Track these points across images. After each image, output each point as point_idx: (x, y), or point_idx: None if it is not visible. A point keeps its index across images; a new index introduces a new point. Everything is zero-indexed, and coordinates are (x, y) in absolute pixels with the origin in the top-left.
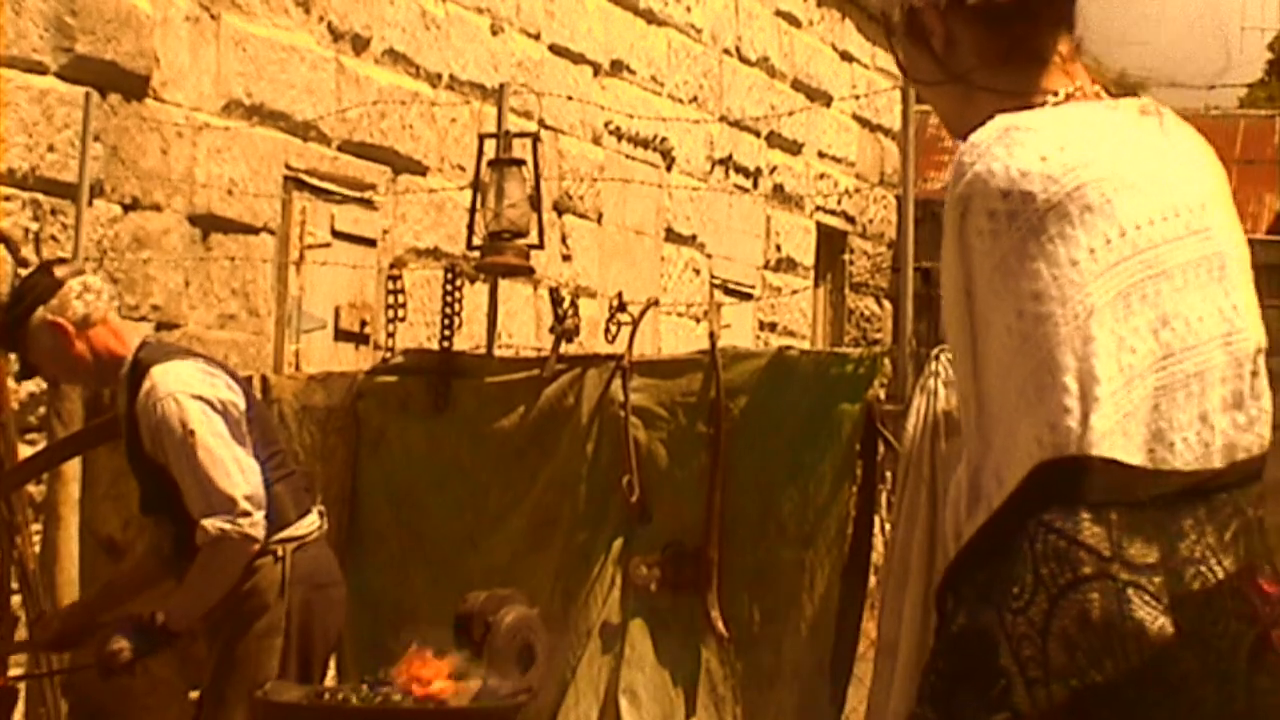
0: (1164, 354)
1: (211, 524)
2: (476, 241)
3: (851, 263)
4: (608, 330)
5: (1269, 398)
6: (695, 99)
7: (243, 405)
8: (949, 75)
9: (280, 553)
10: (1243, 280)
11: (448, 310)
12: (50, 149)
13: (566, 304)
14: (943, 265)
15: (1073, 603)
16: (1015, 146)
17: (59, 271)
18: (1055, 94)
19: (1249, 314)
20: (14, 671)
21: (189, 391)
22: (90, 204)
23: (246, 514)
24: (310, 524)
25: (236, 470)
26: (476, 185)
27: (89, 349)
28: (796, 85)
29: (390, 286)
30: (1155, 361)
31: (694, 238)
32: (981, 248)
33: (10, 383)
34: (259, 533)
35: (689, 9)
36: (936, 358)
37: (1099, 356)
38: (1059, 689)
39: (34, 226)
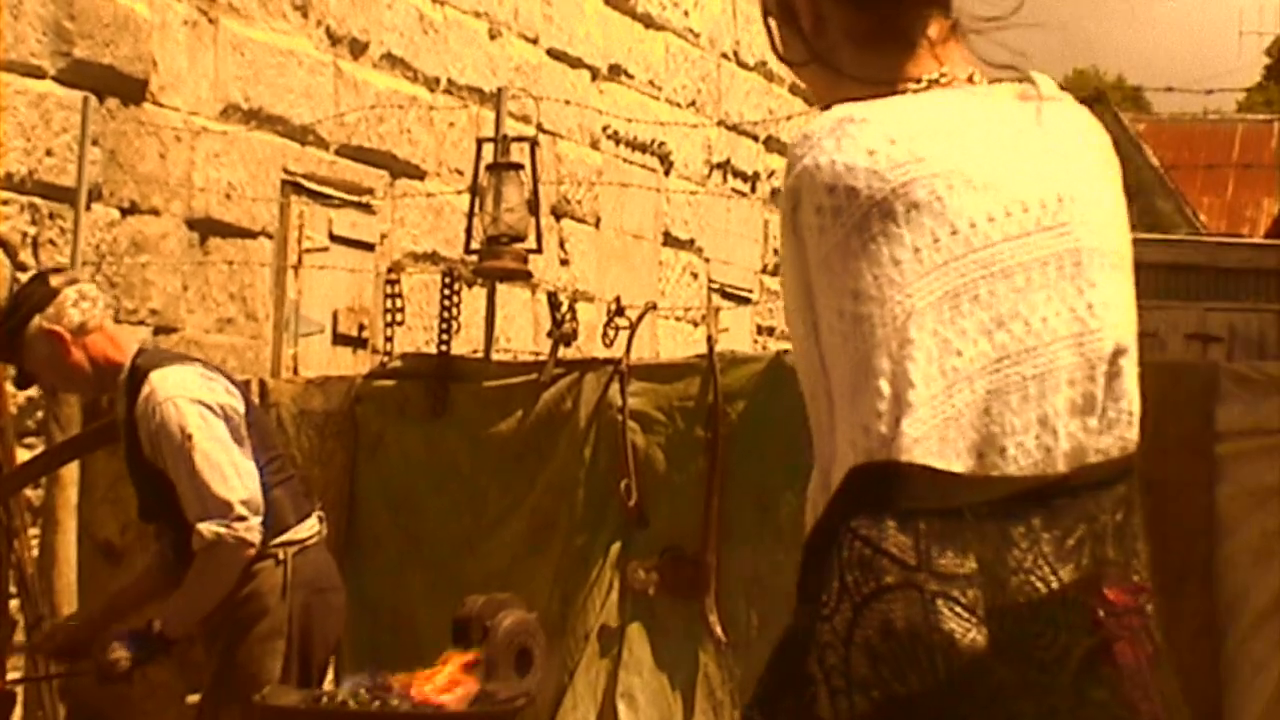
0: (998, 356)
1: (207, 528)
2: (474, 246)
3: None
4: (605, 334)
5: (1134, 399)
6: (693, 103)
7: (242, 409)
8: (814, 55)
9: (281, 556)
10: (1108, 277)
11: (446, 314)
12: (48, 153)
13: (564, 308)
14: (781, 257)
15: (876, 612)
16: (845, 139)
17: (54, 280)
18: (918, 80)
19: (1111, 312)
20: (12, 675)
21: (188, 396)
22: (88, 208)
23: (242, 518)
24: (310, 528)
25: (234, 474)
26: (474, 189)
27: (86, 356)
28: (794, 90)
29: (388, 291)
30: (988, 364)
31: (692, 242)
32: (811, 242)
33: (8, 387)
34: (255, 538)
35: (686, 13)
36: None
37: (915, 360)
38: (861, 700)
39: (32, 231)
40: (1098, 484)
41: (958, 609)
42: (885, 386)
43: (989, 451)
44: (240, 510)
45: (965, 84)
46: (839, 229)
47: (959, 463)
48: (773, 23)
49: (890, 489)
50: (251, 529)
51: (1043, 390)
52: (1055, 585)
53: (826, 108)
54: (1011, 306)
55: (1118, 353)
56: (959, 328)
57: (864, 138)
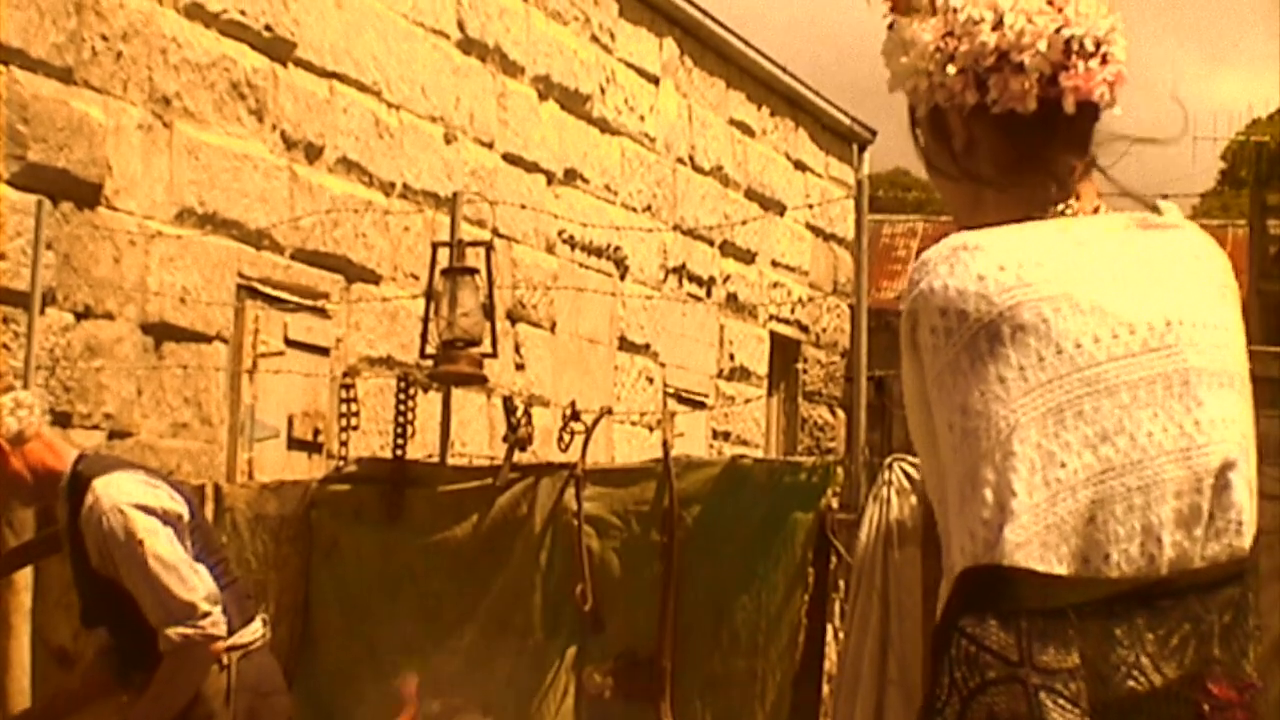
0: (1103, 468)
1: (175, 632)
2: (430, 350)
3: (805, 371)
4: (561, 439)
5: (1245, 509)
6: (649, 208)
7: (186, 515)
8: (964, 174)
9: (225, 660)
10: (1216, 395)
11: (401, 419)
12: (2, 257)
13: (520, 413)
14: (903, 374)
15: (981, 705)
16: (958, 265)
17: None
18: (1051, 209)
19: (1218, 429)
20: None
21: (132, 502)
22: (42, 312)
23: (207, 614)
24: (254, 631)
25: (190, 573)
26: (430, 294)
27: (24, 465)
28: (750, 194)
29: (343, 395)
30: (1093, 475)
31: (647, 346)
32: (928, 361)
33: None
34: (221, 630)
35: (642, 118)
36: (889, 467)
37: (1017, 471)
38: None
39: None
40: (1206, 586)
41: (1061, 701)
42: (990, 495)
43: (1093, 556)
44: (204, 607)
45: (1089, 214)
46: (950, 348)
47: (1061, 566)
48: (920, 134)
49: (994, 590)
50: (217, 622)
51: (1148, 501)
52: (1158, 681)
53: (964, 226)
54: (1117, 422)
55: (1226, 466)
56: (1063, 441)
57: (976, 264)
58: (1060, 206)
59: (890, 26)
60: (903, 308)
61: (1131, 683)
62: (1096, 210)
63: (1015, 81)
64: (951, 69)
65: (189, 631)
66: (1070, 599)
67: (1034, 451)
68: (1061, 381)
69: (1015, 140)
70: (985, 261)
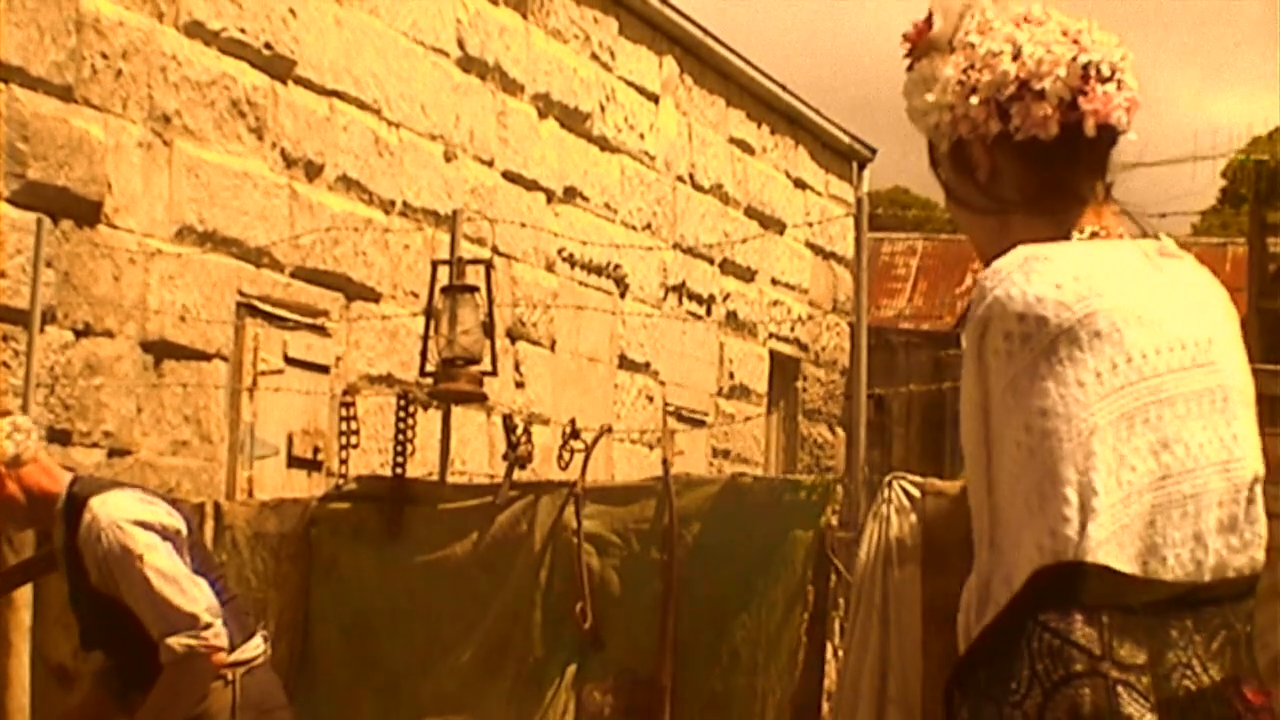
0: (1162, 474)
1: (177, 642)
2: (430, 368)
3: (804, 390)
4: (561, 457)
5: (1264, 524)
6: (649, 226)
7: (184, 531)
8: (991, 205)
9: (230, 677)
10: (1244, 413)
11: (401, 437)
12: (2, 275)
13: (520, 431)
14: (962, 384)
15: (1065, 697)
16: (1033, 274)
17: None
18: (1081, 232)
19: (1248, 445)
20: None
21: (130, 518)
22: (42, 330)
23: (208, 625)
24: (256, 647)
25: (191, 585)
26: (430, 312)
27: (20, 488)
28: (750, 212)
29: (343, 413)
30: (1154, 481)
31: (647, 365)
32: (997, 367)
33: None
34: (223, 641)
35: (642, 136)
36: (889, 485)
37: (1099, 471)
38: None
39: None
40: (1236, 596)
41: (1135, 695)
42: (1073, 494)
43: (1151, 559)
44: (205, 618)
45: (1117, 238)
46: (1028, 353)
47: (1129, 566)
48: (942, 172)
49: (1076, 586)
50: (219, 634)
51: (1198, 509)
52: (1207, 682)
53: (988, 260)
54: (1175, 431)
55: (1255, 480)
56: (1132, 445)
57: (1050, 273)
58: (1089, 230)
59: (910, 68)
60: (970, 316)
61: (1187, 682)
62: (1121, 236)
63: (1037, 108)
64: (974, 100)
65: (191, 642)
66: (1137, 598)
67: (1110, 454)
68: (1132, 389)
69: (1039, 166)
70: (1059, 270)
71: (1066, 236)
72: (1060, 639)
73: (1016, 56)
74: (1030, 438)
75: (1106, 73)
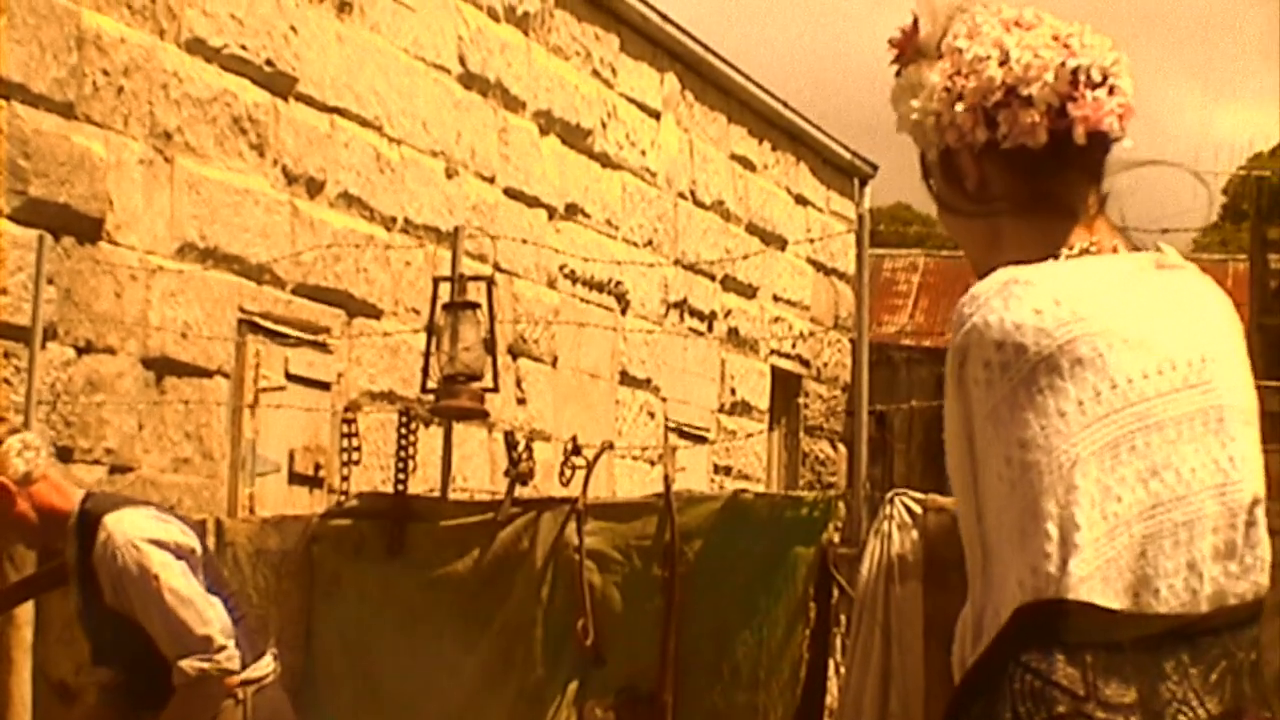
0: (1153, 503)
1: (189, 665)
2: (431, 385)
3: (806, 406)
4: (562, 474)
5: (1267, 546)
6: (650, 242)
7: (198, 549)
8: (980, 212)
9: (241, 695)
10: (1244, 433)
11: (402, 453)
12: (3, 292)
13: (521, 447)
14: (945, 414)
15: None
16: (1012, 300)
17: None
18: (1071, 247)
19: (1247, 466)
20: None
21: (145, 537)
22: (43, 347)
23: (222, 648)
24: (266, 666)
25: (206, 606)
26: (431, 328)
27: (31, 506)
28: (751, 229)
29: (344, 430)
30: (1144, 510)
31: (649, 381)
32: (978, 396)
33: None
34: (235, 664)
35: (644, 153)
36: (891, 501)
37: (1080, 505)
38: None
39: None
40: (1236, 625)
41: None
42: (1053, 530)
43: (1143, 591)
44: (219, 640)
45: (1111, 252)
46: (1006, 383)
47: (1117, 601)
48: (933, 181)
49: (1057, 625)
50: (232, 657)
51: (1191, 536)
52: (1204, 716)
53: (981, 272)
54: (1165, 457)
55: (1254, 503)
56: (1118, 475)
57: (1030, 298)
58: (1083, 244)
59: (898, 74)
60: (951, 343)
61: (1182, 718)
62: (1115, 249)
63: (1024, 115)
64: (960, 107)
65: (204, 665)
66: (1126, 634)
67: (1094, 486)
68: (1117, 416)
69: (1028, 175)
70: (1039, 295)
71: (1057, 248)
72: (1042, 680)
73: (1004, 62)
74: (1011, 470)
75: (1097, 78)
